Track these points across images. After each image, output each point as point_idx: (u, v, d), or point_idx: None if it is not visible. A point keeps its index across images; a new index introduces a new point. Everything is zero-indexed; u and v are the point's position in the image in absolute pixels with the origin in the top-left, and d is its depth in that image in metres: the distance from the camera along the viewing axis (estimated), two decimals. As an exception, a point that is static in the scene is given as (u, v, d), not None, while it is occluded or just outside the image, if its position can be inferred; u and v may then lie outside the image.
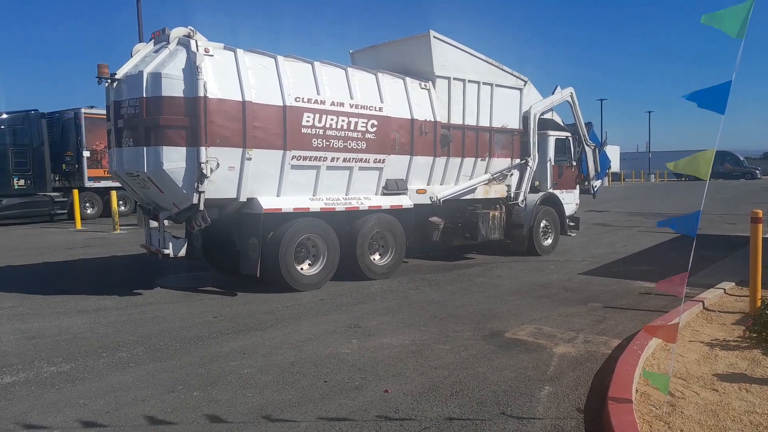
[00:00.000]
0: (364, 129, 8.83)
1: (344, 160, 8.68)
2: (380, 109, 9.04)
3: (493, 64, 10.64)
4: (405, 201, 9.50)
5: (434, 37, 9.68)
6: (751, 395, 4.29)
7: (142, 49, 7.99)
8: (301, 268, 8.39)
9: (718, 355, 5.20)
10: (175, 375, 4.94)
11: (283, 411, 4.17)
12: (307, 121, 8.21)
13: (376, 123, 8.96)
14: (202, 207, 7.46)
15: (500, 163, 10.99)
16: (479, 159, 10.55)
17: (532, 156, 11.33)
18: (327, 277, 8.57)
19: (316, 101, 8.30)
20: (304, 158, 8.23)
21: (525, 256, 11.30)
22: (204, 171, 7.32)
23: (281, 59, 8.16)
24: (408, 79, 9.55)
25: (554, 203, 11.94)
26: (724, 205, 23.64)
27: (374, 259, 9.25)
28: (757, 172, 58.09)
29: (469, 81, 10.20)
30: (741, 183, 48.19)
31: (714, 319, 6.44)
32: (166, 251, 7.78)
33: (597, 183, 13.40)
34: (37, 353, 5.60)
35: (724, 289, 7.68)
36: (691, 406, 4.10)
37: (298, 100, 8.11)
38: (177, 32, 7.63)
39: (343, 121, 8.58)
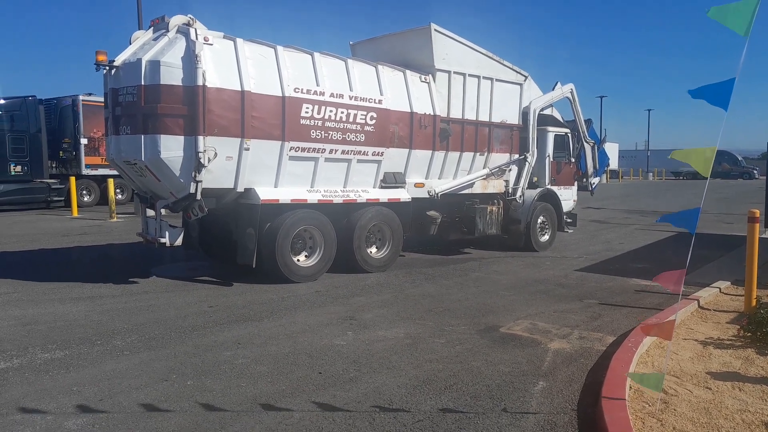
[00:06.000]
0: (363, 121, 8.79)
1: (343, 152, 8.65)
2: (380, 102, 9.00)
3: (493, 59, 10.59)
4: (403, 194, 9.48)
5: (435, 30, 9.63)
6: (744, 394, 4.30)
7: (141, 37, 7.94)
8: (298, 260, 8.38)
9: (712, 353, 5.21)
10: (169, 364, 4.94)
11: (277, 401, 4.17)
12: (306, 113, 8.17)
13: (375, 115, 8.93)
14: (199, 196, 7.44)
15: (499, 159, 10.97)
16: (478, 154, 10.53)
17: (530, 152, 11.31)
18: (323, 269, 8.57)
19: (315, 92, 8.26)
20: (303, 149, 8.21)
21: (522, 251, 11.31)
22: (201, 160, 7.29)
23: (281, 49, 8.12)
24: (408, 71, 9.51)
25: (552, 199, 11.94)
26: (721, 204, 23.68)
27: (371, 252, 9.25)
28: (755, 172, 58.10)
29: (469, 75, 10.16)
30: (738, 183, 48.26)
31: (709, 318, 6.45)
32: (163, 240, 7.77)
33: (595, 180, 13.39)
34: (32, 340, 5.59)
35: (720, 288, 7.69)
36: (684, 403, 4.11)
37: (297, 90, 8.07)
38: (176, 20, 7.58)
39: (342, 112, 8.54)
